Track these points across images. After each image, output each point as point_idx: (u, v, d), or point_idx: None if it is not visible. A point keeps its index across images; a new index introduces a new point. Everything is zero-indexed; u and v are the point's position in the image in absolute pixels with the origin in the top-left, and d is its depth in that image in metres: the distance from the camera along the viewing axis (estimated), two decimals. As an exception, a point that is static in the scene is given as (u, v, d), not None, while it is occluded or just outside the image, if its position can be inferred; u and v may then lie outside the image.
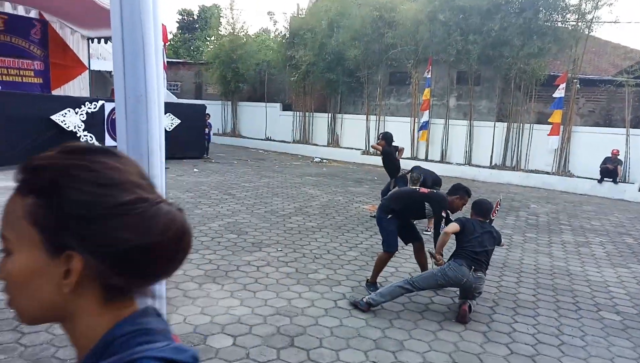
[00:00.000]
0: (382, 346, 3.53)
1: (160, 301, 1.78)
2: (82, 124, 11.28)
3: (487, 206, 4.48)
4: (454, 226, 4.23)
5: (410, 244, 4.95)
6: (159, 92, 1.61)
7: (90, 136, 11.45)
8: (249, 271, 4.94)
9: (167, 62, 18.55)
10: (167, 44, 19.29)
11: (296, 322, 3.83)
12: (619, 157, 11.89)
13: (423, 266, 4.82)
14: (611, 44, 17.42)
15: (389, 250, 4.62)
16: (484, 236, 4.21)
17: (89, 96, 14.56)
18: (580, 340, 3.85)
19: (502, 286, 4.99)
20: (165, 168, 7.29)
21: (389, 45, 15.23)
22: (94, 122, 11.43)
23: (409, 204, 4.77)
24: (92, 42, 16.19)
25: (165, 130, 11.41)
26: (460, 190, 4.54)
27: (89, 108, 11.40)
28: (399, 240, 4.74)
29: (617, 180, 11.78)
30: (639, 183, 11.84)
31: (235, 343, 3.42)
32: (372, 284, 4.65)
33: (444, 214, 4.52)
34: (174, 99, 16.09)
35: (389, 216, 4.65)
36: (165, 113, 11.96)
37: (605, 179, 11.88)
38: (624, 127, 12.34)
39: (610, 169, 11.75)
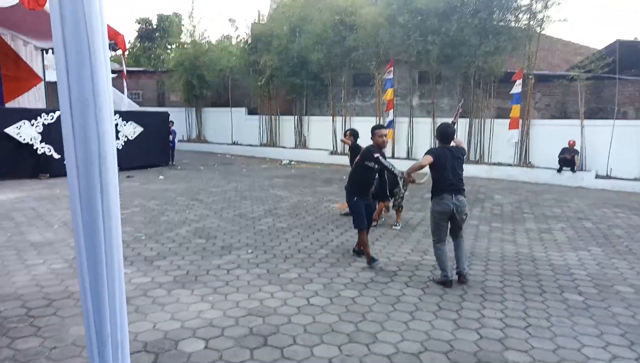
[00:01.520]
0: (356, 339, 3.55)
1: (121, 309, 1.74)
2: (39, 135, 10.88)
3: (448, 130, 4.95)
4: (427, 158, 4.78)
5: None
6: (107, 94, 1.56)
7: (49, 148, 11.05)
8: (219, 274, 4.87)
9: (128, 71, 18.15)
10: (126, 53, 18.86)
11: (269, 321, 3.80)
12: (575, 147, 12.41)
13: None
14: (562, 41, 18.18)
15: (358, 227, 5.40)
16: (455, 163, 4.82)
17: (45, 107, 14.07)
18: (546, 321, 3.98)
19: (470, 275, 5.09)
20: (130, 176, 7.20)
21: (351, 48, 15.42)
22: (52, 134, 11.03)
23: (357, 177, 5.50)
24: (47, 53, 15.67)
25: (129, 139, 11.19)
26: (373, 130, 5.50)
27: (45, 120, 11.01)
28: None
29: (575, 169, 12.28)
30: (595, 171, 12.36)
31: (208, 346, 3.36)
32: (372, 259, 5.28)
33: (377, 155, 5.24)
34: (135, 107, 15.74)
35: (355, 198, 5.42)
36: (127, 121, 11.80)
37: (563, 168, 12.37)
38: (579, 118, 12.88)
39: (568, 159, 12.25)
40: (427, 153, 4.89)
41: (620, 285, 4.92)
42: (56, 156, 11.13)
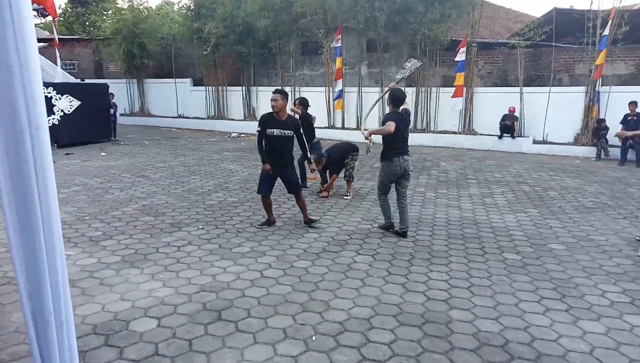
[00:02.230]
0: (309, 308, 3.63)
1: (65, 289, 1.67)
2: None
3: (401, 95, 5.38)
4: (392, 125, 5.07)
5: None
6: (36, 61, 1.45)
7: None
8: (169, 252, 4.79)
9: (60, 39, 16.91)
10: (56, 19, 17.52)
11: (222, 296, 3.81)
12: (515, 114, 12.98)
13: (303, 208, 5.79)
14: (503, 9, 18.70)
15: (258, 192, 5.75)
16: (404, 128, 5.29)
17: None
18: (487, 280, 4.24)
19: (417, 240, 5.31)
20: (69, 154, 6.83)
21: (299, 14, 15.11)
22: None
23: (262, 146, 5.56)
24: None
25: (65, 113, 10.54)
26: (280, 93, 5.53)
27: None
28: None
29: (514, 135, 12.87)
30: (533, 137, 13.03)
31: (160, 324, 3.33)
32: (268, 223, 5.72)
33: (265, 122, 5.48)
34: (70, 78, 14.79)
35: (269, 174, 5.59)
36: (63, 94, 11.05)
37: (504, 135, 12.94)
38: (518, 86, 13.42)
39: (508, 126, 12.81)
40: (388, 118, 5.21)
41: (553, 243, 5.29)
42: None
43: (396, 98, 5.33)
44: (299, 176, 5.80)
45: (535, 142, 12.93)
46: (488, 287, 4.09)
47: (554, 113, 12.85)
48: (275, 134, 5.39)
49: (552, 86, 13.12)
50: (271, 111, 5.45)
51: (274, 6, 15.29)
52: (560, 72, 13.93)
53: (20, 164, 1.49)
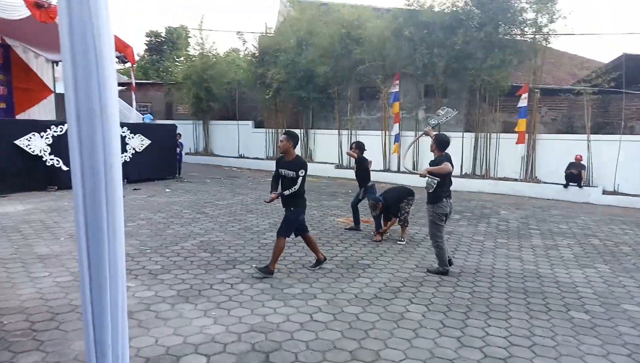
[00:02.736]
0: (359, 357, 3.53)
1: (123, 321, 1.74)
2: (48, 148, 11.01)
3: (446, 138, 5.78)
4: (448, 166, 5.54)
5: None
6: (113, 106, 1.58)
7: (57, 160, 11.17)
8: (222, 289, 4.88)
9: (136, 83, 18.37)
10: (135, 65, 19.11)
11: (271, 337, 3.80)
12: (582, 162, 12.35)
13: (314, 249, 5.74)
14: (568, 54, 18.18)
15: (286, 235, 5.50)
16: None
17: (55, 119, 14.26)
18: (551, 340, 3.94)
19: (475, 292, 5.06)
20: (136, 189, 7.19)
21: (358, 61, 15.50)
22: (61, 146, 11.15)
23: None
24: (57, 65, 15.93)
25: (136, 151, 11.24)
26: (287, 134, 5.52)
27: (54, 131, 11.14)
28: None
29: (582, 184, 12.19)
30: (602, 187, 12.27)
31: (209, 362, 3.36)
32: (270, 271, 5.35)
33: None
34: (145, 119, 15.85)
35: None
36: (135, 134, 11.89)
37: (570, 184, 12.28)
38: (585, 133, 12.83)
39: (575, 174, 12.17)
40: (443, 160, 5.58)
41: (627, 303, 4.86)
42: (64, 168, 11.24)
43: (443, 142, 5.72)
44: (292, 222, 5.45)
45: (605, 192, 12.16)
46: (552, 348, 3.79)
47: (626, 162, 12.08)
48: (282, 174, 5.43)
49: (623, 133, 12.41)
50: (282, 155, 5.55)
51: (333, 53, 15.83)
52: (631, 119, 13.20)
53: (94, 200, 1.61)
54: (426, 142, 15.01)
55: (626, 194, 11.96)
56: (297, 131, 18.05)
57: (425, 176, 5.53)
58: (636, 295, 5.11)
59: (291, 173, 5.32)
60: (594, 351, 3.76)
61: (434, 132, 6.11)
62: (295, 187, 5.25)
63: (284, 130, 18.46)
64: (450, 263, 5.73)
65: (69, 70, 1.53)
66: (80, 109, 1.55)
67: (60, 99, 15.88)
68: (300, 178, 5.27)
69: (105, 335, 1.66)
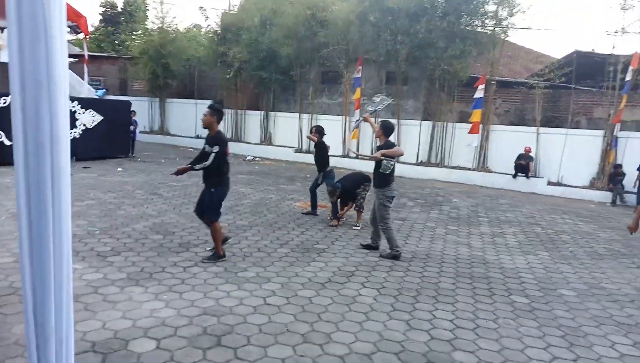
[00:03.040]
0: (310, 340, 3.59)
1: (68, 304, 1.69)
2: (-10, 120, 10.35)
3: (391, 125, 5.99)
4: (402, 150, 6.13)
5: None
6: (63, 78, 1.51)
7: (0, 134, 10.53)
8: (175, 272, 4.81)
9: (89, 56, 17.49)
10: (88, 36, 18.17)
11: (224, 321, 3.79)
12: (530, 154, 12.91)
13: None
14: (524, 49, 18.80)
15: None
16: None
17: (-3, 90, 13.39)
18: (493, 323, 4.15)
19: (424, 277, 5.24)
20: (86, 167, 6.86)
21: (321, 44, 15.42)
22: (4, 119, 10.51)
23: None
24: (2, 33, 14.89)
25: (87, 127, 10.76)
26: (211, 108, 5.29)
27: (-3, 103, 10.48)
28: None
29: (529, 175, 12.77)
30: (547, 178, 12.90)
31: (159, 346, 3.32)
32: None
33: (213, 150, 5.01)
34: (99, 94, 15.18)
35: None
36: (86, 109, 11.33)
37: (518, 174, 12.84)
38: (535, 126, 13.39)
39: (523, 165, 12.73)
40: (392, 144, 5.90)
41: (563, 288, 5.18)
42: (7, 142, 10.62)
43: (388, 128, 5.94)
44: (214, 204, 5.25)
45: (549, 183, 12.80)
46: (494, 330, 4.00)
47: (570, 155, 12.75)
48: (205, 149, 5.18)
49: (569, 128, 13.06)
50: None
51: (297, 35, 15.65)
52: (578, 114, 13.88)
53: (38, 177, 1.53)
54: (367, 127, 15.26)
55: (569, 186, 12.64)
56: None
57: (381, 159, 5.72)
58: (572, 281, 5.45)
59: (208, 148, 5.08)
60: (531, 333, 3.99)
61: (378, 120, 6.38)
62: (206, 163, 4.99)
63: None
64: (398, 255, 5.77)
65: (14, 36, 1.44)
66: (25, 80, 1.46)
67: (4, 69, 14.90)
68: (213, 154, 4.96)
69: (48, 318, 1.61)
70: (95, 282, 4.37)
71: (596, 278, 5.57)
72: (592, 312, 4.53)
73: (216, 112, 5.23)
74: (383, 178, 5.80)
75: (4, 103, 10.56)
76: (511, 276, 5.47)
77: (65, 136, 1.58)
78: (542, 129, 13.28)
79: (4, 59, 15.83)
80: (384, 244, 5.99)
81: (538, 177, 12.98)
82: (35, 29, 1.42)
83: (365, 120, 6.48)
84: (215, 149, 4.98)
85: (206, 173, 5.14)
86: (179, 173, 5.16)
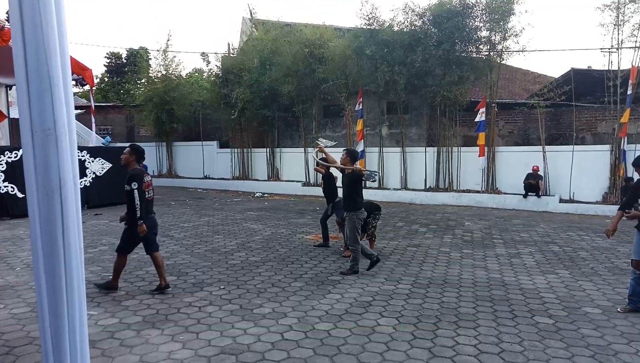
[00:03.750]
0: (331, 373, 3.49)
1: (82, 349, 1.68)
2: (2, 174, 10.55)
3: (356, 153, 6.57)
4: (349, 162, 6.35)
5: None
6: (70, 124, 1.56)
7: (12, 187, 10.70)
8: (190, 312, 4.75)
9: (96, 106, 17.94)
10: (94, 88, 18.68)
11: (242, 359, 3.71)
12: (539, 172, 12.85)
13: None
14: (521, 70, 19.06)
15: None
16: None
17: (9, 145, 13.70)
18: (519, 346, 4.02)
19: (443, 302, 5.13)
20: (98, 214, 6.86)
21: (321, 79, 15.72)
22: (16, 172, 10.70)
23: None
24: (11, 90, 15.38)
25: (97, 175, 10.92)
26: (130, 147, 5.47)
27: (9, 157, 10.70)
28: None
29: (540, 194, 12.66)
30: (559, 195, 12.79)
31: (178, 388, 3.25)
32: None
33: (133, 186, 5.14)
34: (103, 142, 15.46)
35: None
36: (95, 157, 11.55)
37: (529, 194, 12.74)
38: (540, 145, 13.39)
39: (533, 184, 12.64)
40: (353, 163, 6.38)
41: (587, 306, 5.04)
42: (20, 195, 10.78)
43: (354, 155, 6.50)
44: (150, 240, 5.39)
45: (561, 201, 12.67)
46: (520, 353, 3.88)
47: (579, 172, 12.67)
48: (126, 189, 5.23)
49: (575, 144, 13.04)
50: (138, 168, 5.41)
51: (297, 73, 15.99)
52: (582, 131, 13.90)
53: (50, 220, 1.56)
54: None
55: (581, 202, 12.51)
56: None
57: (362, 171, 6.37)
58: (596, 298, 5.31)
59: (127, 187, 5.18)
60: (559, 354, 3.86)
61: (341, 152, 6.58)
62: (137, 202, 5.10)
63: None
64: (378, 259, 6.35)
65: (23, 89, 1.51)
66: (34, 129, 1.52)
67: (14, 124, 15.30)
68: (135, 191, 5.10)
69: (64, 361, 1.60)
70: (111, 327, 4.32)
71: (620, 294, 5.42)
72: (621, 329, 4.39)
73: (135, 152, 5.39)
74: (354, 202, 6.20)
75: (16, 157, 10.78)
76: (532, 297, 5.34)
77: (71, 181, 1.60)
78: (548, 148, 13.27)
79: (15, 115, 16.30)
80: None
81: (549, 195, 12.87)
82: (40, 81, 1.50)
83: (321, 150, 6.96)
84: (134, 186, 5.14)
85: (129, 207, 5.23)
86: (140, 233, 5.25)
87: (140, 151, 5.47)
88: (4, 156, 10.65)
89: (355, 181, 6.27)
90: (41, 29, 1.49)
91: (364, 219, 6.34)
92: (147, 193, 5.30)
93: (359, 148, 15.29)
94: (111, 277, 5.46)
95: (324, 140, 7.60)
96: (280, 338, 4.13)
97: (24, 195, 10.90)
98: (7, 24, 10.37)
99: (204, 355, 3.78)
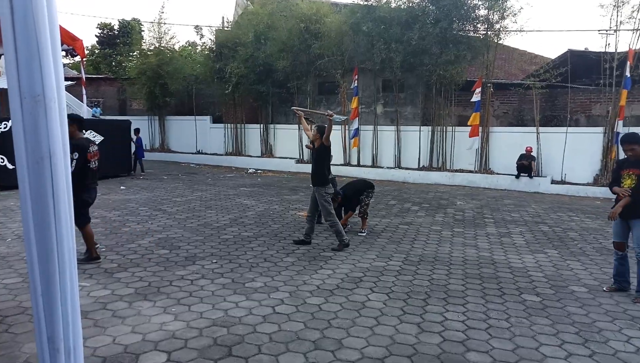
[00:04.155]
0: (322, 346, 3.55)
1: (74, 314, 1.68)
2: (-8, 145, 10.40)
3: (323, 127, 6.39)
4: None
5: None
6: (59, 92, 1.54)
7: (2, 158, 10.57)
8: (182, 285, 4.78)
9: (87, 78, 17.64)
10: (84, 59, 18.31)
11: (233, 331, 3.76)
12: (532, 153, 12.90)
13: None
14: (518, 50, 18.91)
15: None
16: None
17: (-2, 115, 13.48)
18: (506, 322, 4.10)
19: (433, 279, 5.20)
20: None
21: (317, 55, 15.51)
22: (5, 143, 10.57)
23: None
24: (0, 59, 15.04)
25: (87, 147, 10.47)
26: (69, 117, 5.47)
27: (-2, 128, 10.54)
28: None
29: (532, 175, 12.74)
30: (551, 177, 12.88)
31: (170, 359, 3.29)
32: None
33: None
34: (93, 112, 15.27)
35: None
36: (87, 130, 11.36)
37: (521, 174, 12.82)
38: (535, 126, 13.41)
39: (526, 165, 12.71)
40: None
41: (574, 285, 5.13)
42: (10, 166, 10.66)
43: (323, 131, 6.32)
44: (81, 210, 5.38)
45: (553, 182, 12.76)
46: (507, 329, 3.95)
47: (571, 153, 12.74)
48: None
49: (569, 126, 13.07)
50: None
51: (293, 48, 15.76)
52: (577, 112, 13.91)
53: (39, 190, 1.55)
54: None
55: (572, 184, 12.61)
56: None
57: (332, 116, 6.30)
58: (583, 277, 5.40)
59: (69, 156, 5.19)
60: (545, 330, 3.94)
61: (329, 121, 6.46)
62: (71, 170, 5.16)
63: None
64: (310, 242, 6.51)
65: (12, 57, 1.49)
66: (23, 96, 1.50)
67: (3, 94, 15.00)
68: (74, 161, 5.13)
69: (57, 330, 1.61)
70: (103, 298, 4.34)
71: (607, 274, 5.52)
72: (605, 307, 4.48)
73: (75, 121, 5.39)
74: (322, 177, 6.32)
75: (5, 128, 10.61)
76: (521, 275, 5.42)
77: (60, 149, 1.59)
78: (541, 129, 13.29)
79: (4, 85, 15.98)
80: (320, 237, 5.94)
81: (541, 176, 12.96)
82: (29, 48, 1.48)
83: (299, 116, 7.07)
84: (75, 155, 5.15)
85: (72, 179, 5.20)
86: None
87: (80, 119, 5.55)
88: (-6, 127, 10.48)
89: (324, 157, 6.41)
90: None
91: (330, 194, 6.50)
92: (92, 162, 5.39)
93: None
94: (89, 251, 5.50)
95: (337, 116, 7.56)
96: (271, 312, 4.17)
97: (14, 166, 10.77)
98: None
99: (196, 327, 3.81)
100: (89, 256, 5.48)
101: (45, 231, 1.59)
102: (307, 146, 8.77)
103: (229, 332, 3.74)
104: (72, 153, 5.10)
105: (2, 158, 10.59)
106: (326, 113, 6.45)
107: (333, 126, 6.53)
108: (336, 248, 6.32)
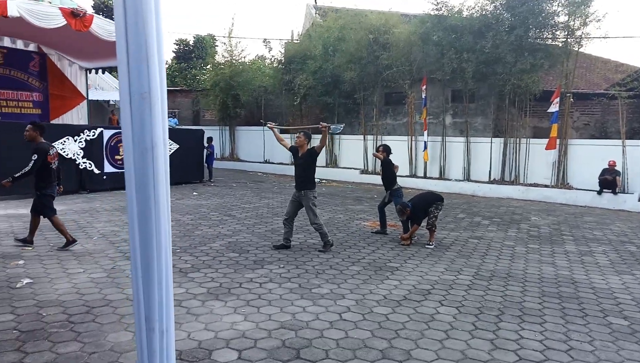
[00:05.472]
0: (389, 356, 3.49)
1: (168, 298, 1.79)
2: (81, 151, 11.34)
3: (310, 135, 6.78)
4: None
5: None
6: (162, 91, 1.67)
7: (90, 163, 11.49)
8: (251, 287, 4.91)
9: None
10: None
11: (301, 335, 3.79)
12: (616, 168, 11.96)
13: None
14: (601, 59, 17.70)
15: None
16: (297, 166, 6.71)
17: (87, 124, 14.69)
18: (589, 345, 3.81)
19: (507, 295, 4.95)
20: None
21: (384, 66, 15.45)
22: (93, 149, 11.49)
23: None
24: (90, 73, 16.44)
25: (165, 154, 11.26)
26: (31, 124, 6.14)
27: (87, 136, 11.48)
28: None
29: (617, 191, 11.80)
30: (638, 193, 11.86)
31: (241, 357, 3.38)
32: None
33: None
34: (170, 123, 16.23)
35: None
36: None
37: (604, 190, 11.91)
38: (619, 138, 12.44)
39: (609, 180, 11.78)
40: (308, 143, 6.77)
41: (669, 310, 4.66)
42: (96, 171, 11.56)
43: (310, 136, 6.89)
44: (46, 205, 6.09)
45: (641, 199, 11.73)
46: (590, 352, 3.67)
47: (663, 168, 11.66)
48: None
49: (660, 138, 12.01)
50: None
51: (360, 59, 15.82)
52: (669, 124, 12.75)
53: (143, 178, 1.69)
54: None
55: (664, 202, 11.51)
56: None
57: (325, 128, 6.52)
58: (678, 302, 4.90)
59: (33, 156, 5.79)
60: (635, 356, 3.62)
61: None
62: (25, 169, 5.74)
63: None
64: (332, 244, 6.62)
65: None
66: (132, 94, 1.65)
67: (92, 105, 16.37)
68: (32, 161, 5.74)
69: (152, 311, 1.74)
70: (179, 296, 4.56)
71: None
72: None
73: (37, 128, 6.03)
74: (312, 180, 6.56)
75: (93, 135, 11.54)
76: (605, 297, 5.02)
77: (160, 143, 1.71)
78: (628, 142, 12.29)
79: (93, 96, 17.43)
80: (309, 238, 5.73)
81: (627, 193, 11.96)
82: (139, 52, 1.62)
83: (271, 129, 7.48)
84: (34, 157, 5.77)
85: (34, 179, 5.91)
86: (3, 186, 5.87)
87: (41, 126, 6.16)
88: (83, 135, 11.43)
89: (311, 163, 6.61)
90: (140, 5, 1.62)
91: (316, 197, 6.66)
92: (52, 163, 5.99)
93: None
94: (65, 239, 6.15)
95: (334, 126, 7.63)
96: (338, 318, 4.17)
97: (99, 171, 11.69)
98: (87, 11, 11.06)
99: (265, 328, 3.89)
100: (67, 242, 6.11)
101: (147, 217, 1.72)
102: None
103: (297, 335, 3.78)
104: (31, 155, 5.81)
105: (90, 163, 11.50)
106: (319, 125, 6.61)
107: (328, 135, 6.82)
108: (322, 250, 6.51)
